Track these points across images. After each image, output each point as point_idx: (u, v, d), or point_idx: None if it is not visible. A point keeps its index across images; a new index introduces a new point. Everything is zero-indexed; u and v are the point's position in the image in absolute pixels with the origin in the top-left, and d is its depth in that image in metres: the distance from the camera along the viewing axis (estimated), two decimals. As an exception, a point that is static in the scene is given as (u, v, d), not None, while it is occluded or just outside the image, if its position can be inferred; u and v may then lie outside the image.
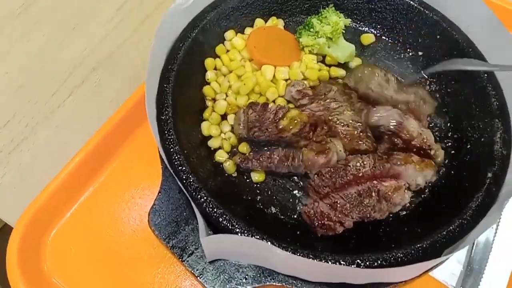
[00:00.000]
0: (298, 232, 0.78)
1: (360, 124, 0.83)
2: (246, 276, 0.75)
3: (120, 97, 0.95)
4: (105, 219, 0.87)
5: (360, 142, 0.82)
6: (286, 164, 0.80)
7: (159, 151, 0.82)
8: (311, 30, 0.92)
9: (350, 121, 0.83)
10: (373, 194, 0.77)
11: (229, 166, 0.84)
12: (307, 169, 0.80)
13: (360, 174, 0.78)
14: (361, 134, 0.82)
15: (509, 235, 0.88)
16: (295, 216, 0.82)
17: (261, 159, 0.81)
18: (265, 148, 0.85)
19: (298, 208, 0.83)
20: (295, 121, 0.82)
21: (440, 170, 0.86)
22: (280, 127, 0.82)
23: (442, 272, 0.85)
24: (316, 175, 0.79)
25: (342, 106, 0.85)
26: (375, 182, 0.77)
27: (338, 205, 0.76)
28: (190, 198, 0.71)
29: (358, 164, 0.78)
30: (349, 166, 0.78)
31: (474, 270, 0.83)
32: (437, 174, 0.84)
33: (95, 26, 1.13)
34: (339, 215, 0.76)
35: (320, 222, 0.76)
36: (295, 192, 0.84)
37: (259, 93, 0.90)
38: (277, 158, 0.81)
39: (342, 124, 0.83)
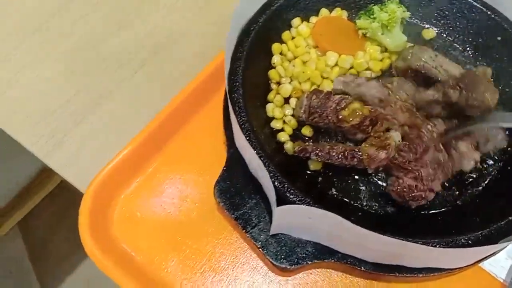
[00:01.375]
0: (359, 214, 0.81)
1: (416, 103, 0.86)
2: (306, 252, 0.78)
3: (187, 74, 0.98)
4: (170, 189, 0.90)
5: (416, 118, 0.84)
6: (344, 162, 0.81)
7: (225, 128, 0.87)
8: (371, 16, 0.95)
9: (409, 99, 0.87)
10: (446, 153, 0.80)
11: (289, 148, 0.87)
12: (366, 165, 0.82)
13: (434, 136, 0.81)
14: (417, 112, 0.85)
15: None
16: (354, 201, 0.85)
17: (319, 153, 0.82)
18: (324, 141, 0.89)
19: (361, 194, 0.86)
20: (357, 113, 0.84)
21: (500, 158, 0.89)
22: (340, 117, 0.84)
23: (492, 265, 0.86)
24: (396, 154, 0.81)
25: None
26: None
27: (423, 175, 0.79)
28: (263, 170, 0.74)
29: (430, 127, 0.81)
30: (422, 132, 0.81)
31: (525, 265, 0.85)
32: (496, 163, 0.87)
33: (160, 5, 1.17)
34: (426, 183, 0.79)
35: (410, 195, 0.79)
36: (356, 176, 0.87)
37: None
38: (335, 156, 0.81)
39: (401, 100, 0.86)
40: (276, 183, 0.76)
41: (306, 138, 0.90)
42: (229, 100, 0.79)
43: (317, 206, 0.75)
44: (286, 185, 0.76)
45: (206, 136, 0.95)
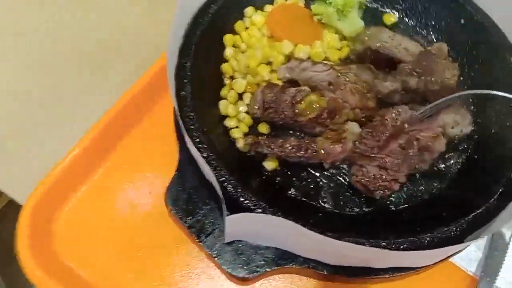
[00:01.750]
0: (320, 215, 0.76)
1: (366, 84, 0.82)
2: (265, 258, 0.73)
3: (135, 72, 0.91)
4: (120, 198, 0.84)
5: (367, 100, 0.81)
6: (298, 154, 0.77)
7: (176, 129, 0.81)
8: (326, 1, 0.90)
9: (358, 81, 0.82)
10: (415, 144, 0.76)
11: (242, 146, 0.82)
12: (321, 159, 0.77)
13: (398, 124, 0.77)
14: (368, 94, 0.81)
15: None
16: (315, 200, 0.80)
17: (272, 146, 0.77)
18: (278, 136, 0.82)
19: (322, 193, 0.80)
20: (313, 106, 0.79)
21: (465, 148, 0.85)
22: (297, 111, 0.79)
23: (461, 258, 0.83)
24: (357, 142, 0.77)
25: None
26: (412, 133, 0.77)
27: (388, 164, 0.75)
28: (212, 176, 0.69)
29: (394, 115, 0.77)
30: (386, 120, 0.77)
31: (495, 256, 0.82)
32: (460, 156, 0.84)
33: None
34: (391, 173, 0.75)
35: (375, 185, 0.75)
36: (316, 173, 0.82)
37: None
38: (289, 148, 0.77)
39: (351, 82, 0.81)
40: (228, 187, 0.71)
41: (264, 136, 0.85)
42: (175, 99, 0.73)
43: (274, 210, 0.70)
44: (239, 189, 0.71)
45: (158, 138, 0.88)
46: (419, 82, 0.78)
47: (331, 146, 0.76)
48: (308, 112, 0.78)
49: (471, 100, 0.89)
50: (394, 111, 0.78)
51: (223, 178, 0.71)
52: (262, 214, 0.67)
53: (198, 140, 0.73)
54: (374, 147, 0.76)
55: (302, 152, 0.76)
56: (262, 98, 0.80)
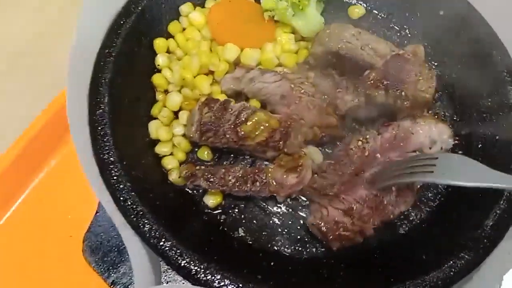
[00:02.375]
0: (272, 263, 0.62)
1: (327, 97, 0.69)
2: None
3: (46, 96, 0.76)
4: (31, 244, 0.69)
5: (327, 116, 0.67)
6: (244, 188, 0.63)
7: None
8: None
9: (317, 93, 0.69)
10: (392, 190, 0.62)
11: (176, 179, 0.66)
12: (273, 192, 0.63)
13: (366, 154, 0.64)
14: (328, 108, 0.68)
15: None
16: (267, 243, 0.65)
17: (211, 179, 0.63)
18: (228, 164, 0.69)
19: (277, 233, 0.66)
20: (262, 127, 0.64)
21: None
22: (242, 133, 0.64)
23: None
24: (316, 174, 0.63)
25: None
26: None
27: (355, 212, 0.61)
28: (127, 240, 0.55)
29: (360, 143, 0.64)
30: (352, 149, 0.63)
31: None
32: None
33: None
34: (357, 223, 0.61)
35: (335, 234, 0.61)
36: (269, 207, 0.67)
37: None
38: (233, 181, 0.63)
39: (308, 94, 0.67)
40: (151, 240, 0.56)
41: (205, 163, 0.69)
42: (71, 132, 0.57)
43: (212, 266, 0.55)
44: (165, 243, 0.56)
45: (78, 171, 0.73)
46: (387, 96, 0.64)
47: (285, 176, 0.62)
48: (256, 134, 0.64)
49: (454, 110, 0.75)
50: (361, 139, 0.64)
51: (147, 227, 0.56)
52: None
53: (115, 178, 0.58)
54: (334, 184, 0.62)
55: (248, 186, 0.62)
56: (199, 118, 0.65)
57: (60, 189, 0.74)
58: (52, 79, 0.74)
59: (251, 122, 0.64)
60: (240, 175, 0.62)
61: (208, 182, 0.62)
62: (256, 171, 0.63)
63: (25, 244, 0.70)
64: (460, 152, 0.72)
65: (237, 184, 0.62)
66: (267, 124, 0.64)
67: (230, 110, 0.65)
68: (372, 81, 0.64)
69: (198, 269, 0.55)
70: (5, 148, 0.71)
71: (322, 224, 0.61)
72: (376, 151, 0.64)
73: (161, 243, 0.56)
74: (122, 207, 0.57)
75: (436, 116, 0.75)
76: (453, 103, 0.76)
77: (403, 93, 0.63)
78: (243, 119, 0.64)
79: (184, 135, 0.68)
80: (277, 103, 0.68)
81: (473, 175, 0.55)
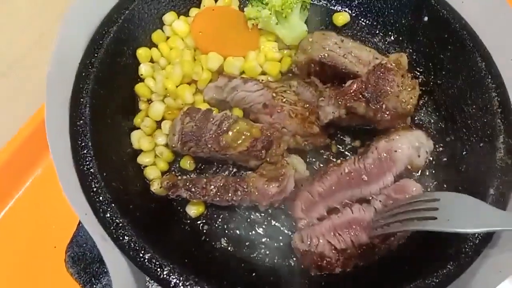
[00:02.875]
0: (253, 274, 0.61)
1: (309, 105, 0.68)
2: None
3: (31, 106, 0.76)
4: (15, 254, 0.70)
5: (310, 125, 0.67)
6: (225, 198, 0.62)
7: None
8: (262, 1, 0.73)
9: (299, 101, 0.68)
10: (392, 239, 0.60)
11: (158, 189, 0.66)
12: (255, 201, 0.63)
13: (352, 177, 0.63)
14: (310, 116, 0.67)
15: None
16: (251, 253, 0.65)
17: (193, 189, 0.62)
18: (212, 173, 0.69)
19: (260, 243, 0.66)
20: (243, 137, 0.64)
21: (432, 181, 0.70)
22: (223, 143, 0.64)
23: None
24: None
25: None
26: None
27: (346, 252, 0.60)
28: (106, 258, 0.54)
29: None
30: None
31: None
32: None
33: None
34: (342, 260, 0.60)
35: (317, 264, 0.60)
36: (251, 215, 0.67)
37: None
38: (214, 190, 0.62)
39: (290, 103, 0.67)
40: (131, 252, 0.56)
41: (188, 173, 0.69)
42: (49, 144, 0.57)
43: (192, 278, 0.55)
44: (145, 255, 0.56)
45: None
46: (367, 109, 0.63)
47: (266, 186, 0.62)
48: (237, 144, 0.63)
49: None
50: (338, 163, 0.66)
51: (126, 239, 0.56)
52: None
53: (94, 190, 0.58)
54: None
55: (230, 195, 0.62)
56: (181, 128, 0.65)
57: (45, 199, 0.73)
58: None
59: (232, 132, 0.64)
60: (221, 185, 0.62)
61: (190, 192, 0.62)
62: (238, 180, 0.63)
63: (9, 254, 0.70)
64: (444, 159, 0.72)
65: (218, 194, 0.62)
66: (248, 133, 0.64)
67: (211, 119, 0.65)
68: (353, 93, 0.63)
69: (178, 281, 0.54)
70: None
71: (307, 251, 0.60)
72: (360, 174, 0.63)
73: (141, 255, 0.56)
74: (101, 219, 0.57)
75: (421, 123, 0.75)
76: (438, 109, 0.76)
77: (383, 105, 0.62)
78: (225, 128, 0.64)
79: (166, 145, 0.68)
80: (260, 111, 0.68)
81: (478, 219, 0.53)
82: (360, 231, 0.60)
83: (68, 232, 0.68)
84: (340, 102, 0.64)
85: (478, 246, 0.58)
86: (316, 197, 0.63)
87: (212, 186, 0.62)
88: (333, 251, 0.59)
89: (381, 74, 0.63)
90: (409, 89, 0.64)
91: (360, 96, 0.63)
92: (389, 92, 0.63)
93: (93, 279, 0.62)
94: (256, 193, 0.62)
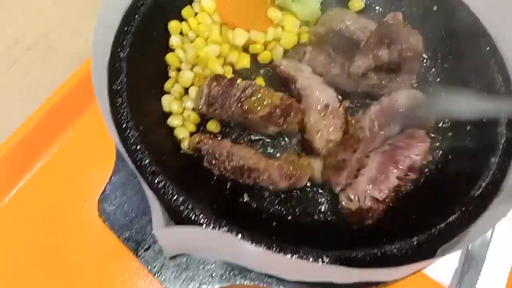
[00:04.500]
0: (274, 224, 0.67)
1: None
2: (213, 274, 0.64)
3: (69, 68, 0.81)
4: (48, 208, 0.74)
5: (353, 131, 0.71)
6: (239, 179, 0.69)
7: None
8: None
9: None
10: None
11: (187, 148, 0.72)
12: (267, 185, 0.69)
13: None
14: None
15: (508, 228, 0.78)
16: (270, 206, 0.71)
17: (213, 162, 0.68)
18: (236, 137, 0.75)
19: (279, 199, 0.71)
20: (264, 103, 0.69)
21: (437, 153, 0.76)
22: (245, 107, 0.69)
23: (435, 270, 0.75)
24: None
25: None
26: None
27: (382, 194, 0.67)
28: (143, 182, 0.59)
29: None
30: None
31: (471, 267, 0.74)
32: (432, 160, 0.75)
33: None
34: (382, 206, 0.66)
35: (366, 217, 0.67)
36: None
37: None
38: (230, 171, 0.68)
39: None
40: (166, 196, 0.61)
41: (213, 135, 0.75)
42: (96, 97, 0.63)
43: (220, 220, 0.60)
44: (180, 197, 0.61)
45: (93, 136, 0.78)
46: (390, 52, 0.70)
47: (278, 179, 0.67)
48: (259, 109, 0.69)
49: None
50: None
51: (161, 184, 0.61)
52: (196, 227, 0.58)
53: (132, 140, 0.64)
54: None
55: (243, 178, 0.68)
56: (208, 92, 0.70)
57: (77, 156, 0.78)
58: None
59: (255, 98, 0.69)
60: (238, 166, 0.67)
61: (210, 165, 0.68)
62: (252, 168, 0.67)
63: (41, 209, 0.74)
64: (450, 133, 0.78)
65: (233, 173, 0.68)
66: (270, 101, 0.69)
67: (236, 86, 0.71)
68: (374, 42, 0.71)
69: (208, 222, 0.59)
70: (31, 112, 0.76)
71: (358, 208, 0.66)
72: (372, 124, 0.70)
73: (174, 199, 0.61)
74: (138, 167, 0.62)
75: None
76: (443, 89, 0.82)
77: (403, 45, 0.70)
78: (248, 94, 0.70)
79: (193, 109, 0.74)
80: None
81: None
82: (389, 176, 0.67)
83: (98, 187, 0.72)
84: (364, 55, 0.71)
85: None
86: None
87: (230, 167, 0.67)
88: (377, 203, 0.66)
89: (387, 27, 0.72)
90: (413, 35, 0.72)
91: (382, 43, 0.71)
92: (401, 39, 0.70)
93: (124, 226, 0.66)
94: (267, 181, 0.67)
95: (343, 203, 0.68)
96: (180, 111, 0.74)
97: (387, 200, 0.66)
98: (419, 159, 0.69)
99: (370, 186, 0.67)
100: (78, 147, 0.79)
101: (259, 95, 0.69)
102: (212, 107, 0.70)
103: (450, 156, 0.75)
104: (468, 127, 0.75)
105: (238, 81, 0.72)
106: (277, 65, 0.76)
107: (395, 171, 0.68)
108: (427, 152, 0.70)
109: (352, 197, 0.67)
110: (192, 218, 0.60)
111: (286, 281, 0.64)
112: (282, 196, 0.71)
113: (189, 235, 0.55)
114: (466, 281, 0.72)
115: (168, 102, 0.74)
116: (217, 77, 0.71)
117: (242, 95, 0.69)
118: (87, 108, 0.81)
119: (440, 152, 0.76)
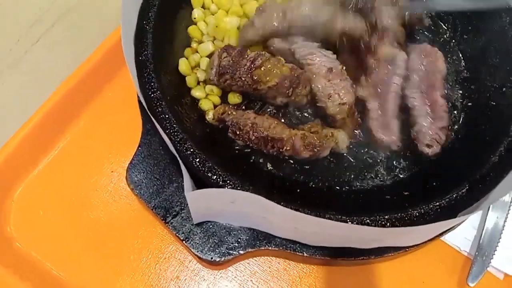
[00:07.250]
0: (298, 190, 0.69)
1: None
2: (239, 240, 0.67)
3: (94, 41, 0.83)
4: (78, 177, 0.76)
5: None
6: (262, 149, 0.70)
7: (138, 98, 0.72)
8: None
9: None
10: None
11: (211, 119, 0.74)
12: (291, 155, 0.70)
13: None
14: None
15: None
16: (294, 174, 0.72)
17: (238, 133, 0.69)
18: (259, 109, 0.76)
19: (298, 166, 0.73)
20: (274, 73, 0.70)
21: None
22: (255, 77, 0.70)
23: (454, 237, 0.76)
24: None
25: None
26: None
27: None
28: (174, 149, 0.61)
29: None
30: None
31: (490, 234, 0.75)
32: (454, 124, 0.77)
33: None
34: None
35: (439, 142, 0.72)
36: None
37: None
38: (255, 141, 0.70)
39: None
40: (194, 162, 0.63)
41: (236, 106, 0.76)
42: (128, 66, 0.64)
43: (247, 184, 0.62)
44: (206, 164, 0.63)
45: (121, 110, 0.80)
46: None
47: (301, 148, 0.68)
48: (268, 79, 0.70)
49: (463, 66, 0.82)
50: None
51: (189, 152, 0.63)
52: (226, 189, 0.60)
53: (160, 109, 0.65)
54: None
55: (267, 148, 0.69)
56: (218, 62, 0.72)
57: (102, 128, 0.80)
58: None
59: (264, 68, 0.70)
60: (263, 136, 0.68)
61: (234, 135, 0.70)
62: (276, 139, 0.68)
63: (72, 178, 0.77)
64: (469, 103, 0.79)
65: (257, 143, 0.69)
66: (279, 71, 0.70)
67: (246, 56, 0.71)
68: None
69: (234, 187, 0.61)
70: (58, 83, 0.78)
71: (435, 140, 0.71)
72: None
73: (201, 166, 0.63)
74: (168, 134, 0.64)
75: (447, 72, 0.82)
76: (463, 62, 0.83)
77: None
78: (258, 64, 0.71)
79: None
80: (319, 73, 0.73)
81: None
82: (437, 99, 0.74)
83: (125, 159, 0.75)
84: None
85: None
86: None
87: (254, 137, 0.69)
88: (446, 130, 0.73)
89: None
90: None
91: None
92: None
93: (152, 194, 0.69)
94: (290, 151, 0.68)
95: (429, 153, 0.71)
96: (195, 77, 0.75)
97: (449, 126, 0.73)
98: (443, 67, 0.75)
99: (430, 120, 0.72)
100: (104, 121, 0.80)
101: (269, 65, 0.70)
102: (223, 77, 0.71)
103: (471, 125, 0.76)
104: (488, 95, 0.76)
105: (248, 51, 0.73)
106: (270, 45, 0.76)
107: (437, 92, 0.73)
108: (442, 58, 0.77)
109: (429, 142, 0.71)
110: (220, 184, 0.62)
111: (309, 246, 0.66)
112: (304, 165, 0.73)
113: (219, 195, 0.57)
114: (485, 249, 0.73)
115: (184, 65, 0.75)
116: (227, 48, 0.72)
117: (252, 65, 0.70)
118: (113, 81, 0.83)
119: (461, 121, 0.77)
